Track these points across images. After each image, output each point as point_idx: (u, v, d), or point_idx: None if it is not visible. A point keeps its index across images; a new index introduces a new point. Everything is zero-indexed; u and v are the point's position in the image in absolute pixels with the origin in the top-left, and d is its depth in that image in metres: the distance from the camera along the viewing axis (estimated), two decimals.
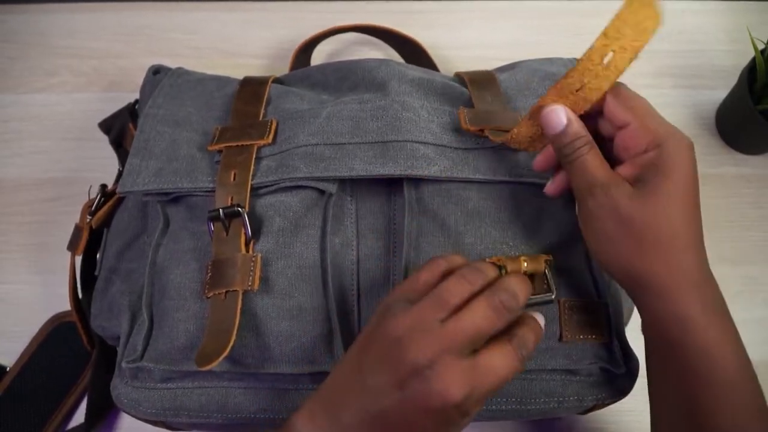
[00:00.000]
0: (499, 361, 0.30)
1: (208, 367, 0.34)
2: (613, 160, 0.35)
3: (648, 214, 0.32)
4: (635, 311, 0.45)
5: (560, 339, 0.38)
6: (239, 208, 0.38)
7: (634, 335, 0.44)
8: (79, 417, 0.49)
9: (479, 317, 0.30)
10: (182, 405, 0.39)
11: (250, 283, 0.37)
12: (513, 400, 0.39)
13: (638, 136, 0.33)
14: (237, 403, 0.39)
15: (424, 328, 0.30)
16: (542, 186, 0.40)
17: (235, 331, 0.35)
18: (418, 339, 0.29)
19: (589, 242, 0.35)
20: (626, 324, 0.43)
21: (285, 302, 0.38)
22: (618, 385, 0.40)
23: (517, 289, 0.32)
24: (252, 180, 0.40)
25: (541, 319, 0.34)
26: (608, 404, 0.41)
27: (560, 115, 0.35)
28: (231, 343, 0.34)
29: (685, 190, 0.33)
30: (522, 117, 0.38)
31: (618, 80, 0.34)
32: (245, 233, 0.38)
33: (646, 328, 0.36)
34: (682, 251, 0.33)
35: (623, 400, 0.41)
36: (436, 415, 0.29)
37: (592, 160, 0.34)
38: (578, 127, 0.35)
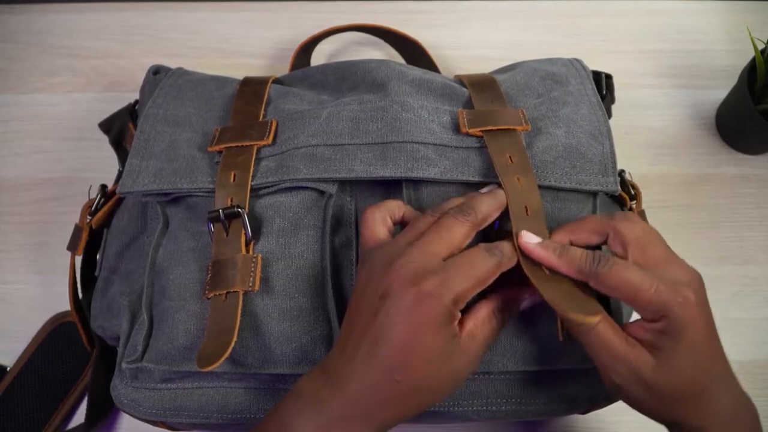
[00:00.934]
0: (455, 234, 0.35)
1: (209, 369, 0.34)
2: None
3: (674, 379, 0.33)
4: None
5: (560, 339, 0.38)
6: (239, 209, 0.38)
7: None
8: (79, 417, 0.49)
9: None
10: (182, 405, 0.39)
11: (250, 284, 0.37)
12: (513, 400, 0.39)
13: (639, 306, 0.33)
14: (237, 404, 0.39)
15: (396, 250, 0.34)
16: (541, 187, 0.40)
17: (236, 332, 0.35)
18: (390, 252, 0.34)
19: (619, 397, 0.37)
20: None
21: (285, 303, 0.38)
22: None
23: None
24: (252, 181, 0.40)
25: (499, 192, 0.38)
26: (608, 404, 0.41)
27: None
28: (232, 345, 0.34)
29: (702, 344, 0.33)
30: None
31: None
32: (245, 234, 0.38)
33: None
34: (714, 397, 0.34)
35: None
36: (425, 318, 0.31)
37: (608, 332, 0.33)
38: None
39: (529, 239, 0.36)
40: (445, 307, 0.32)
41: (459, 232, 0.35)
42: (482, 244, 0.35)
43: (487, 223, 0.37)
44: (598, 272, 0.33)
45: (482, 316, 0.34)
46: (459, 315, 0.33)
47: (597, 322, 0.33)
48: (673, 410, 0.34)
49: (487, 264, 0.34)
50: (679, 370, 0.33)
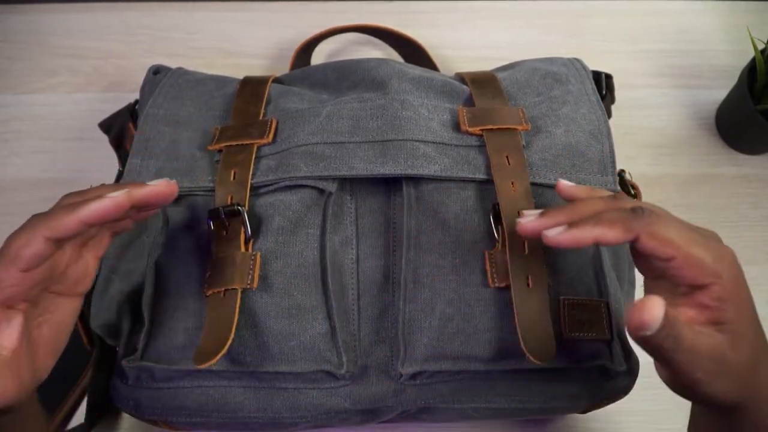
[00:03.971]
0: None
1: (206, 365, 0.34)
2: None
3: (746, 349, 0.31)
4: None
5: (561, 337, 0.38)
6: (239, 207, 0.38)
7: None
8: (79, 417, 0.49)
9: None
10: (182, 404, 0.39)
11: (249, 282, 0.37)
12: (513, 398, 0.39)
13: (686, 269, 0.30)
14: (236, 403, 0.39)
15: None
16: (541, 185, 0.40)
17: (233, 329, 0.35)
18: None
19: (690, 393, 0.33)
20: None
21: (284, 301, 0.38)
22: (618, 385, 0.40)
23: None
24: (252, 179, 0.40)
25: None
26: (608, 404, 0.41)
27: (655, 311, 0.28)
28: (229, 342, 0.34)
29: (751, 304, 0.32)
30: None
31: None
32: (245, 232, 0.38)
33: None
34: (765, 366, 0.32)
35: (623, 400, 0.41)
36: None
37: (687, 334, 0.30)
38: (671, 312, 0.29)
39: (531, 219, 0.32)
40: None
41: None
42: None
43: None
44: (652, 229, 0.30)
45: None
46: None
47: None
48: (745, 385, 0.31)
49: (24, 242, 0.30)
50: (749, 338, 0.31)
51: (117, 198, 0.30)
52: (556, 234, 0.31)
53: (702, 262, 0.30)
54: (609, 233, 0.30)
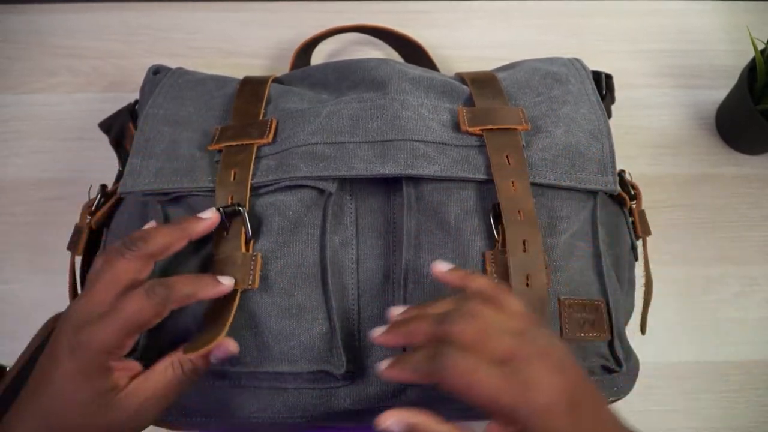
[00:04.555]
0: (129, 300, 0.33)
1: (193, 354, 0.34)
2: None
3: None
4: (635, 311, 0.45)
5: (561, 337, 0.38)
6: (240, 207, 0.38)
7: (635, 335, 0.44)
8: None
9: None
10: (182, 405, 0.39)
11: (250, 282, 0.37)
12: None
13: (489, 411, 0.29)
14: (236, 403, 0.39)
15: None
16: (541, 185, 0.40)
17: (226, 326, 0.35)
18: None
19: None
20: (626, 324, 0.43)
21: (284, 301, 0.38)
22: (618, 384, 0.40)
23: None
24: (252, 179, 0.40)
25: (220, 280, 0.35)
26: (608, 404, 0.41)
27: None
28: (220, 337, 0.34)
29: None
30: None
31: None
32: (245, 232, 0.38)
33: None
34: None
35: (623, 400, 0.41)
36: (72, 370, 0.31)
37: None
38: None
39: (379, 333, 0.34)
40: (91, 359, 0.31)
41: (122, 267, 0.33)
42: (148, 283, 0.33)
43: (168, 253, 0.36)
44: (447, 376, 0.29)
45: (152, 372, 0.33)
46: (113, 365, 0.32)
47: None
48: None
49: (138, 308, 0.32)
50: None
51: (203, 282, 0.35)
52: (382, 370, 0.33)
53: (500, 408, 0.28)
54: (414, 379, 0.31)
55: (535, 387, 0.28)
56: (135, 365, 0.34)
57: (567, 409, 0.28)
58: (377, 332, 0.34)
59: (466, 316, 0.31)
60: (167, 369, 0.34)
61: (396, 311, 0.36)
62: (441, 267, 0.36)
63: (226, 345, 0.35)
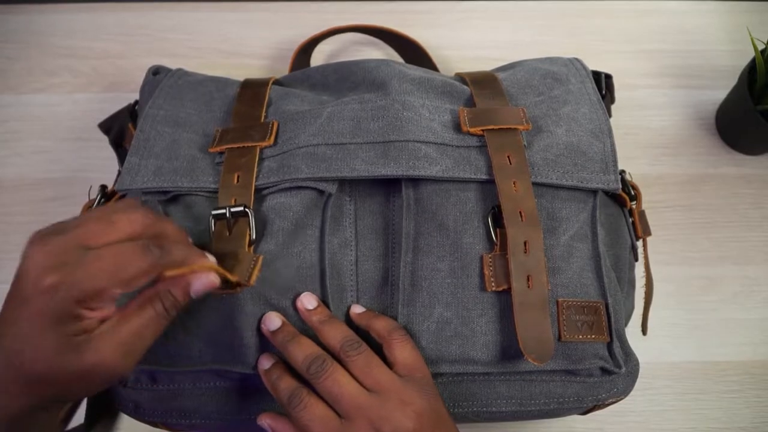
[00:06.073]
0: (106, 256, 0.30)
1: (176, 272, 0.32)
2: None
3: None
4: (635, 312, 0.45)
5: (559, 339, 0.38)
6: (247, 209, 0.38)
7: (635, 335, 0.44)
8: (79, 417, 0.49)
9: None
10: (182, 406, 0.39)
11: (246, 280, 0.36)
12: (513, 401, 0.39)
13: None
14: (236, 404, 0.39)
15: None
16: (541, 185, 0.40)
17: (214, 259, 0.35)
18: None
19: None
20: (626, 324, 0.43)
21: (283, 302, 0.38)
22: (618, 386, 0.40)
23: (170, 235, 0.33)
24: (255, 181, 0.39)
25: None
26: (608, 404, 0.41)
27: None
28: (206, 263, 0.34)
29: None
30: None
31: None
32: (249, 234, 0.38)
33: None
34: None
35: (623, 400, 0.41)
36: (36, 313, 0.29)
37: None
38: None
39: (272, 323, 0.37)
40: (62, 306, 0.29)
41: (135, 217, 0.31)
42: (143, 239, 0.31)
43: (153, 274, 0.32)
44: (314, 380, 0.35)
45: (127, 312, 0.31)
46: (86, 312, 0.30)
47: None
48: None
49: (130, 257, 0.30)
50: None
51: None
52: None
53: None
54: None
55: (388, 420, 0.33)
56: (107, 309, 0.31)
57: None
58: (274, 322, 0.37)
59: (364, 350, 0.36)
60: (145, 307, 0.32)
61: (357, 309, 0.39)
62: (355, 310, 0.39)
63: (208, 275, 0.33)
